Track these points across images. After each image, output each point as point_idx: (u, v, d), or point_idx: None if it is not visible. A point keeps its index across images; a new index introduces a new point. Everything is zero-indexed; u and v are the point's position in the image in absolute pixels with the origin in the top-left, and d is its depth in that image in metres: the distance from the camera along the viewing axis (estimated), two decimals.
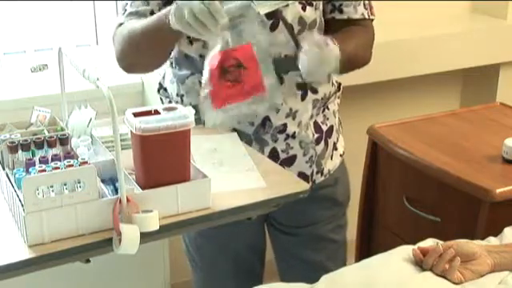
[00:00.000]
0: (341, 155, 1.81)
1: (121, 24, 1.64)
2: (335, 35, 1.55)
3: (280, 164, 1.64)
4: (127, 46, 1.59)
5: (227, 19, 1.39)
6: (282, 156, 1.67)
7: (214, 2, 1.37)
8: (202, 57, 1.61)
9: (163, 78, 1.78)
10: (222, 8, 1.37)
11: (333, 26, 1.66)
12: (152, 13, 1.60)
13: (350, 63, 1.59)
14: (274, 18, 1.55)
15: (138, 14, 1.61)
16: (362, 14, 1.67)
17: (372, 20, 1.71)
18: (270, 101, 1.54)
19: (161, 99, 1.80)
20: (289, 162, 1.67)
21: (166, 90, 1.77)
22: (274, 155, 1.66)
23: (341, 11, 1.66)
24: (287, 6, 1.55)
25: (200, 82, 1.64)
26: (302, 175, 1.67)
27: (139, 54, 1.60)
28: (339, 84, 1.79)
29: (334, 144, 1.77)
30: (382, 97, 2.72)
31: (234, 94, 1.46)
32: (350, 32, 1.65)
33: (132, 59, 1.63)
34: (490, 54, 2.67)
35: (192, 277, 1.97)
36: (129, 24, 1.60)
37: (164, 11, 1.47)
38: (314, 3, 1.60)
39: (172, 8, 1.42)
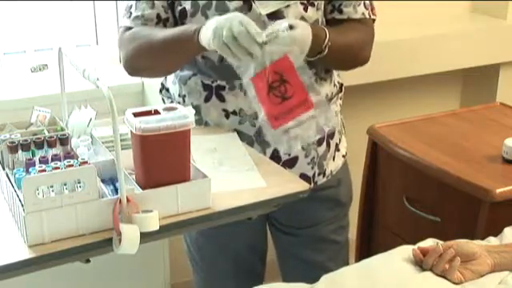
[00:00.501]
0: (343, 156, 1.81)
1: (129, 28, 1.64)
2: (331, 27, 1.56)
3: (282, 165, 1.63)
4: (142, 52, 1.60)
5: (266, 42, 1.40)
6: (284, 157, 1.67)
7: (252, 22, 1.38)
8: (204, 58, 1.62)
9: (165, 78, 1.78)
10: (260, 30, 1.38)
11: (333, 27, 1.66)
12: (158, 16, 1.61)
13: (342, 53, 1.58)
14: (276, 19, 1.54)
15: (144, 18, 1.62)
16: (363, 14, 1.67)
17: (373, 20, 1.71)
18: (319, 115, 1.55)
19: (163, 99, 1.80)
20: (290, 163, 1.67)
21: (168, 90, 1.77)
22: (275, 157, 1.65)
23: (340, 11, 1.66)
24: (289, 6, 1.56)
25: (202, 83, 1.65)
26: (304, 177, 1.67)
27: (154, 61, 1.62)
28: (341, 85, 1.79)
29: (337, 145, 1.77)
30: (382, 97, 2.72)
31: (285, 111, 1.47)
32: (347, 26, 1.65)
33: (143, 65, 1.65)
34: (490, 54, 2.67)
35: (193, 277, 1.97)
36: (143, 29, 1.61)
37: (193, 26, 1.48)
38: (316, 3, 1.60)
39: (205, 26, 1.43)
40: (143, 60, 1.62)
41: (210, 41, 1.41)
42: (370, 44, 1.70)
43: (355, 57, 1.67)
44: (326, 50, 1.53)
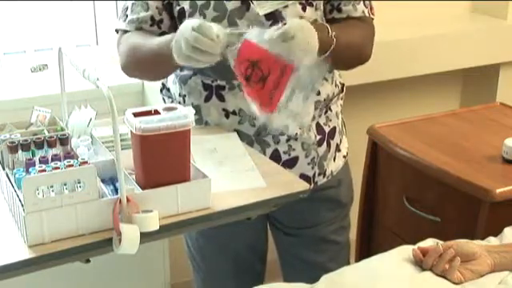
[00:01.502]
0: (344, 156, 1.80)
1: (126, 31, 1.66)
2: (333, 25, 1.56)
3: (282, 166, 1.63)
4: (133, 61, 1.64)
5: (226, 35, 1.39)
6: (284, 157, 1.67)
7: (203, 23, 1.38)
8: None
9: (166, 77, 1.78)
10: (212, 26, 1.38)
11: (334, 24, 1.65)
12: (152, 18, 1.62)
13: (346, 50, 1.58)
14: (273, 20, 1.54)
15: (138, 21, 1.64)
16: (363, 12, 1.66)
17: (372, 19, 1.71)
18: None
19: (163, 99, 1.80)
20: (290, 163, 1.67)
21: (168, 90, 1.77)
22: (275, 157, 1.65)
23: (340, 10, 1.65)
24: (287, 6, 1.55)
25: (202, 82, 1.65)
26: (304, 177, 1.67)
27: (143, 70, 1.67)
28: (342, 85, 1.78)
29: (337, 145, 1.76)
30: (382, 97, 2.72)
31: (271, 89, 1.45)
32: (347, 24, 1.64)
33: (136, 73, 1.72)
34: (490, 54, 2.67)
35: (193, 277, 1.98)
36: (135, 37, 1.64)
37: (168, 40, 1.48)
38: (314, 3, 1.60)
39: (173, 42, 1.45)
40: (134, 69, 1.67)
41: (176, 59, 1.44)
42: (371, 41, 1.69)
43: (359, 54, 1.67)
44: (334, 43, 1.51)
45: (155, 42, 1.57)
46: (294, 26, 1.40)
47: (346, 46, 1.57)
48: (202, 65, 1.43)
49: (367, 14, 1.67)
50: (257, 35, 1.42)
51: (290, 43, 1.38)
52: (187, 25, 1.41)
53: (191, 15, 1.58)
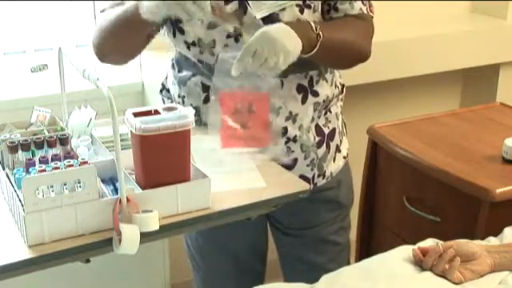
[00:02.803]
0: (344, 157, 1.80)
1: (102, 11, 1.62)
2: (326, 23, 1.55)
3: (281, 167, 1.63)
4: (99, 35, 1.59)
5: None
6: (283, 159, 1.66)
7: None
8: (201, 62, 1.61)
9: (166, 78, 1.78)
10: None
11: (328, 22, 1.63)
12: None
13: (340, 49, 1.57)
14: (271, 23, 1.53)
15: (122, 3, 1.58)
16: (360, 9, 1.63)
17: (371, 17, 1.68)
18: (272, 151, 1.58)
19: (163, 100, 1.80)
20: (290, 165, 1.66)
21: (168, 90, 1.77)
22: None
23: (336, 9, 1.62)
24: (284, 9, 1.55)
25: (202, 84, 1.64)
26: (303, 178, 1.65)
27: (109, 43, 1.60)
28: (342, 86, 1.78)
29: (337, 146, 1.76)
30: (382, 97, 2.72)
31: (237, 138, 1.52)
32: (343, 21, 1.62)
33: (103, 48, 1.62)
34: (490, 54, 2.67)
35: (193, 277, 1.97)
36: (107, 13, 1.59)
37: (133, 3, 1.45)
38: (312, 5, 1.59)
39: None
40: (101, 43, 1.61)
41: (155, 6, 1.39)
42: (369, 38, 1.66)
43: (355, 51, 1.64)
44: (319, 43, 1.49)
45: (122, 8, 1.52)
46: (253, 39, 1.42)
47: (341, 41, 1.55)
48: (185, 16, 1.40)
49: (365, 12, 1.65)
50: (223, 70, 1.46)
51: (255, 59, 1.40)
52: None
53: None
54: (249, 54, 1.41)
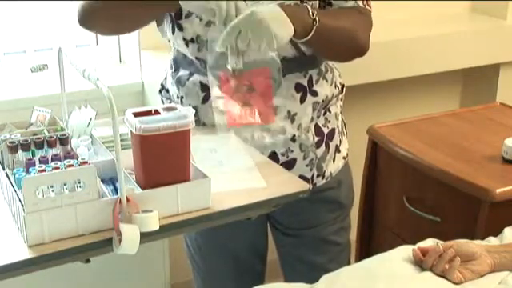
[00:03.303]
0: (344, 157, 1.79)
1: None
2: (320, 11, 1.53)
3: None
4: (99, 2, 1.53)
5: None
6: (282, 159, 1.66)
7: None
8: (198, 59, 1.61)
9: (165, 78, 1.78)
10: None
11: (323, 10, 1.60)
12: None
13: (335, 36, 1.54)
14: None
15: None
16: (356, 3, 1.60)
17: (369, 11, 1.64)
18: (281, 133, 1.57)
19: (162, 100, 1.80)
20: (289, 165, 1.66)
21: (167, 91, 1.77)
22: (273, 158, 1.64)
23: (330, 4, 1.61)
24: None
25: (201, 83, 1.64)
26: (302, 179, 1.65)
27: (109, 16, 1.55)
28: (342, 86, 1.77)
29: (337, 146, 1.75)
30: (382, 97, 2.72)
31: (243, 115, 1.50)
32: (339, 11, 1.60)
33: (97, 17, 1.56)
34: (490, 54, 2.67)
35: (193, 277, 1.97)
36: None
37: None
38: (310, 3, 1.58)
39: None
40: (98, 11, 1.54)
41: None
42: (367, 31, 1.63)
43: (351, 41, 1.59)
44: (315, 28, 1.47)
45: None
46: (241, 19, 1.39)
47: (337, 28, 1.53)
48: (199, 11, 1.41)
49: (361, 5, 1.62)
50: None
51: (239, 39, 1.39)
52: None
53: (187, 16, 1.57)
54: (233, 33, 1.39)
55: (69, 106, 1.59)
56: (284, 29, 1.42)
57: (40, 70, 2.29)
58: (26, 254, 1.21)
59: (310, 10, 1.47)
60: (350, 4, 1.60)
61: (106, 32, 1.72)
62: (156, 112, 1.34)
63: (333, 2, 1.61)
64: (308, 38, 1.47)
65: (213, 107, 1.56)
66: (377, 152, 2.17)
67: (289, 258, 1.88)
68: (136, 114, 1.32)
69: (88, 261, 1.28)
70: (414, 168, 1.98)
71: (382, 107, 2.72)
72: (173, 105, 1.40)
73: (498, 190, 1.75)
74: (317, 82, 1.65)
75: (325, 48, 1.58)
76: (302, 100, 1.63)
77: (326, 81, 1.68)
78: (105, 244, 1.25)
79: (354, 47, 1.61)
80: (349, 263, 1.88)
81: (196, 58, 1.61)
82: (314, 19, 1.47)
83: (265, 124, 1.55)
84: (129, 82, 2.34)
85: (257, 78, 1.50)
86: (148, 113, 1.33)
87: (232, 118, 1.52)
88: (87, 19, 1.57)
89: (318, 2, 1.60)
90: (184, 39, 1.59)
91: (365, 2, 1.63)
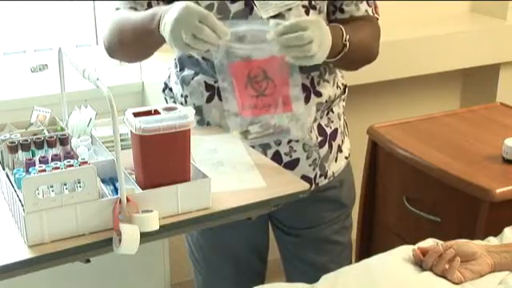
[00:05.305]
0: (346, 157, 1.80)
1: (117, 9, 1.63)
2: (344, 26, 1.55)
3: (283, 167, 1.63)
4: (115, 34, 1.60)
5: (229, 30, 1.39)
6: (285, 159, 1.66)
7: (209, 15, 1.36)
8: (205, 59, 1.61)
9: (169, 77, 1.78)
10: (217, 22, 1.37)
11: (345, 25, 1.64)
12: (149, 4, 1.59)
13: (358, 51, 1.57)
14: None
15: (134, 2, 1.60)
16: (366, 11, 1.64)
17: (377, 18, 1.69)
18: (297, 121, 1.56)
19: (165, 99, 1.79)
20: (292, 165, 1.66)
21: (171, 90, 1.77)
22: (276, 158, 1.65)
23: (342, 11, 1.64)
24: (290, 9, 1.55)
25: (205, 83, 1.64)
26: (305, 178, 1.65)
27: (124, 46, 1.62)
28: (345, 86, 1.78)
29: (339, 146, 1.76)
30: (382, 97, 2.72)
31: (258, 105, 1.48)
32: (355, 23, 1.62)
33: (116, 49, 1.65)
34: (490, 54, 2.67)
35: (193, 277, 1.98)
36: (123, 13, 1.60)
37: (153, 14, 1.46)
38: (318, 6, 1.59)
39: (163, 21, 1.41)
40: (115, 43, 1.62)
41: (170, 42, 1.41)
42: (378, 40, 1.68)
43: (368, 54, 1.66)
44: (348, 47, 1.51)
45: (140, 15, 1.53)
46: (309, 19, 1.41)
47: (358, 47, 1.56)
48: (194, 52, 1.41)
49: (371, 14, 1.65)
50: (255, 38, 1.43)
51: (302, 34, 1.37)
52: (191, 12, 1.36)
53: None
54: (296, 28, 1.38)
55: (69, 106, 1.59)
56: (323, 54, 1.44)
57: (40, 70, 2.29)
58: (25, 254, 1.21)
59: (344, 35, 1.51)
60: (361, 13, 1.64)
61: (131, 62, 1.85)
62: (156, 112, 1.34)
63: (345, 8, 1.63)
64: (333, 60, 1.52)
65: (227, 118, 1.55)
66: (377, 152, 2.17)
67: (291, 258, 1.88)
68: (136, 114, 1.32)
69: (88, 261, 1.28)
70: (413, 168, 1.98)
71: (382, 107, 2.72)
72: (173, 105, 1.40)
73: (498, 190, 1.75)
74: (318, 83, 1.65)
75: (344, 63, 1.61)
76: (307, 100, 1.63)
77: (328, 82, 1.68)
78: (105, 244, 1.25)
79: (369, 59, 1.68)
80: (350, 263, 1.88)
81: (203, 58, 1.62)
82: (345, 44, 1.51)
83: (284, 113, 1.53)
84: (129, 82, 2.34)
85: (271, 65, 1.49)
86: (148, 113, 1.33)
87: (242, 108, 1.51)
88: (110, 54, 1.69)
89: (326, 2, 1.60)
90: None
91: (373, 9, 1.66)
